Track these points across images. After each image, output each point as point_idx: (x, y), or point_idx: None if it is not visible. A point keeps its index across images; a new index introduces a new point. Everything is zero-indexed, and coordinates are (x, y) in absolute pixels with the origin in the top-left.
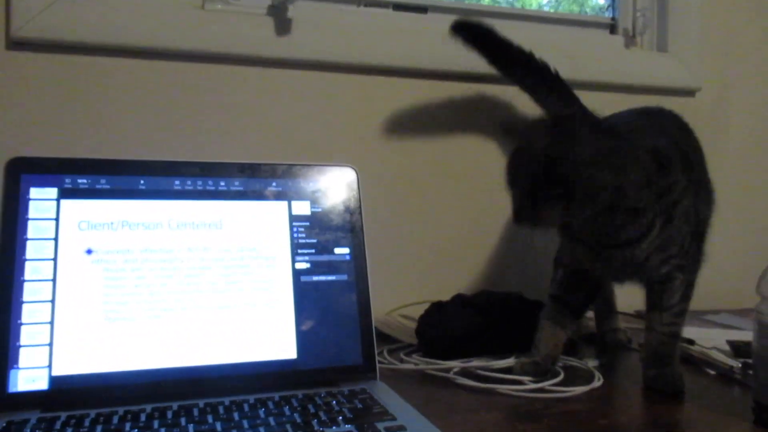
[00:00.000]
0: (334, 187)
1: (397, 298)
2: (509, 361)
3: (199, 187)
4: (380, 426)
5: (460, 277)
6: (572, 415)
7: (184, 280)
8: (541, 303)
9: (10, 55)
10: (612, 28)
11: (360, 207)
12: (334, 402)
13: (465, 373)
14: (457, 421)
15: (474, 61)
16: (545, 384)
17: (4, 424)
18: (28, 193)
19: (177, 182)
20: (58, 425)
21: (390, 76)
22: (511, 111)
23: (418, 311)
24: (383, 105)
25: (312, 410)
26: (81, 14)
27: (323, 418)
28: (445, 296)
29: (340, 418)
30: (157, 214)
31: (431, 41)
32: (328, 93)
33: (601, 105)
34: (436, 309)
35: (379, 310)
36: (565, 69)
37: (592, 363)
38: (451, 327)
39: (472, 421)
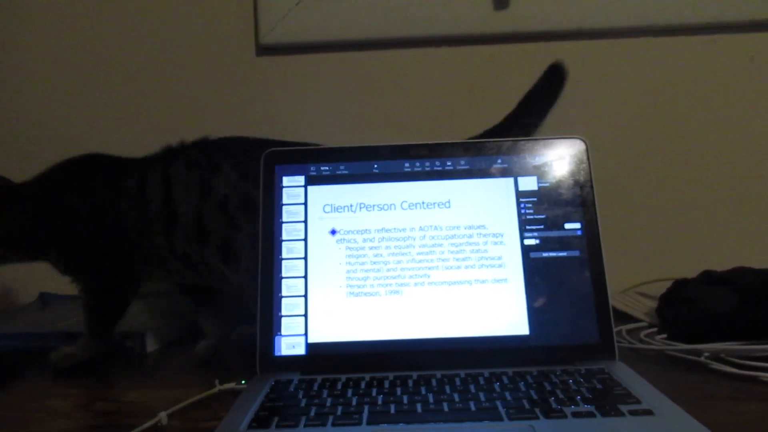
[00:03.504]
0: (562, 160)
1: (635, 275)
2: None
3: (427, 168)
4: (624, 408)
5: (707, 251)
6: None
7: (416, 257)
8: None
9: (259, 60)
10: None
11: (591, 180)
12: (571, 381)
13: (718, 357)
14: (713, 410)
15: (713, 7)
16: None
17: (273, 382)
18: (281, 181)
19: (407, 164)
20: (315, 386)
21: (616, 38)
22: None
23: (659, 289)
24: (610, 69)
25: (548, 388)
26: (316, 15)
27: (561, 396)
28: (691, 273)
29: (579, 397)
30: (390, 196)
31: None
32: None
33: None
34: (681, 287)
35: (615, 287)
36: None
37: None
38: (699, 307)
39: (732, 411)
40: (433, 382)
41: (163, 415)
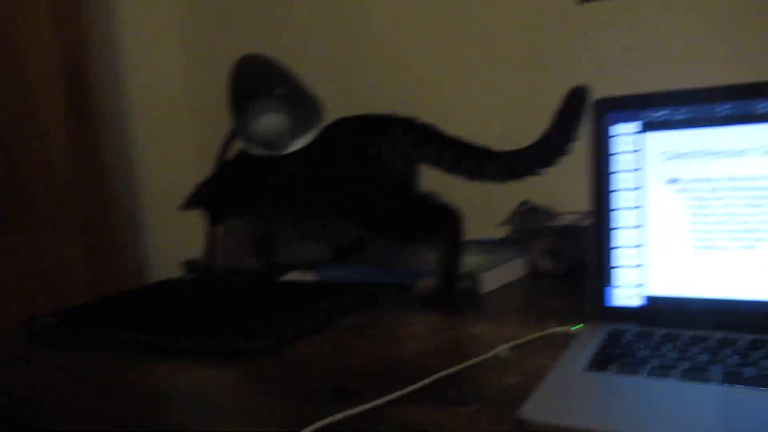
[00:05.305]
0: None
1: None
2: None
3: None
4: None
5: None
6: None
7: None
8: None
9: (580, 8)
10: None
11: None
12: None
13: None
14: None
15: None
16: None
17: (611, 330)
18: (614, 129)
19: (760, 105)
20: (657, 338)
21: None
22: None
23: None
24: None
25: None
26: None
27: None
28: None
29: None
30: (741, 141)
31: None
32: None
33: None
34: None
35: None
36: None
37: None
38: None
39: None
40: None
41: (505, 347)
